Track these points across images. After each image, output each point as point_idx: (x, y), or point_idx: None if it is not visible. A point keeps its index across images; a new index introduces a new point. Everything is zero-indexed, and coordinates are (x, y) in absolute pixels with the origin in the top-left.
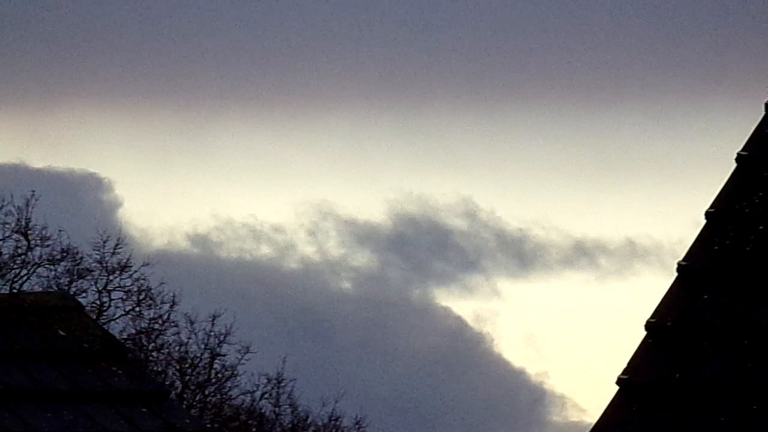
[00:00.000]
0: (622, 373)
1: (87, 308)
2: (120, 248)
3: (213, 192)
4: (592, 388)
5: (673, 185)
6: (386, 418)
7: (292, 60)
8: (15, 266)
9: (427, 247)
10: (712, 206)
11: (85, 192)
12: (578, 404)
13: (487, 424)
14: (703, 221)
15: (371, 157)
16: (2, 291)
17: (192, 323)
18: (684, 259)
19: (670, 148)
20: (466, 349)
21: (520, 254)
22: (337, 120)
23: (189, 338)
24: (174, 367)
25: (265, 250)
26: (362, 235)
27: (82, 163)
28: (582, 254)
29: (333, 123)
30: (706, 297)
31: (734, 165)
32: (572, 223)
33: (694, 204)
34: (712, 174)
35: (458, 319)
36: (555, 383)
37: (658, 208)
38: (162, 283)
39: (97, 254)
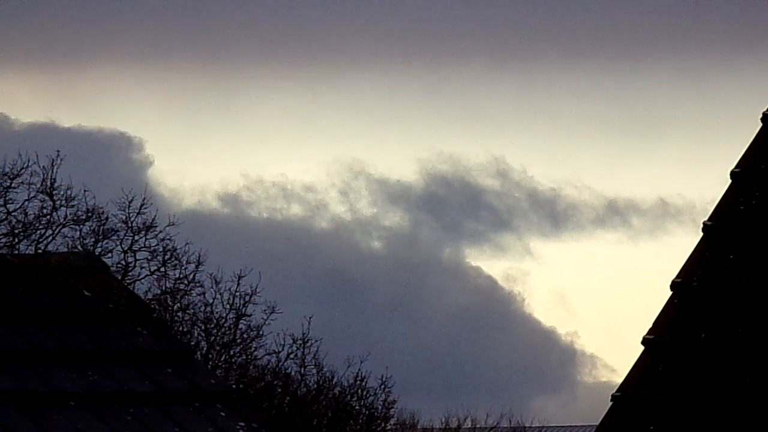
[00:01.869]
0: (648, 333)
1: (112, 268)
2: (145, 208)
3: (243, 151)
4: (622, 348)
5: (706, 145)
6: (415, 379)
7: (323, 18)
8: (40, 226)
9: (459, 207)
10: (737, 166)
11: (116, 151)
12: (608, 364)
13: (516, 384)
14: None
15: (403, 117)
16: (27, 251)
17: (217, 283)
18: (709, 219)
19: (702, 108)
20: (497, 309)
21: (553, 214)
22: (368, 79)
23: (214, 298)
24: (199, 327)
25: (295, 210)
26: (394, 194)
27: (112, 122)
28: (614, 214)
29: (365, 82)
30: (731, 257)
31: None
32: (605, 182)
33: (726, 163)
34: (745, 133)
35: (489, 278)
36: (585, 343)
37: (691, 168)
38: (187, 243)
39: (122, 214)
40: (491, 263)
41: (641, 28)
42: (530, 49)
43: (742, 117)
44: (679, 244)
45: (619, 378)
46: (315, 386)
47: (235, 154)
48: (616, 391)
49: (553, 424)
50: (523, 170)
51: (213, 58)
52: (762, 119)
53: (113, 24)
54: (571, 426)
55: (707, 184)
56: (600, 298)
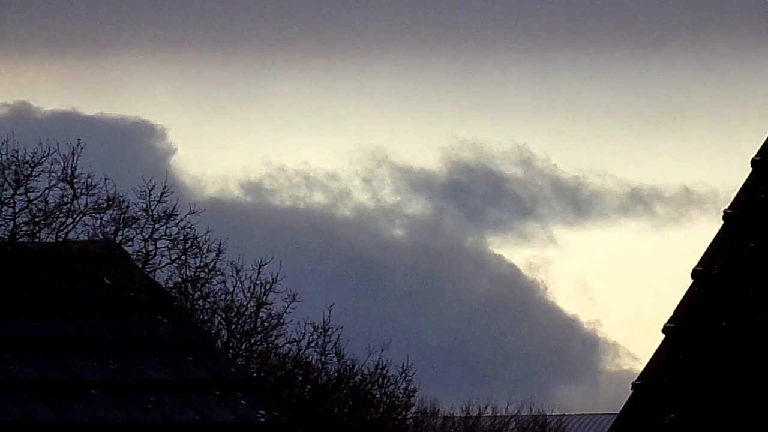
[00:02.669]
0: (668, 322)
1: (133, 257)
2: (166, 196)
3: (266, 139)
4: (645, 336)
5: (729, 132)
6: (436, 367)
7: (345, 7)
8: (61, 215)
9: (482, 195)
10: (758, 154)
11: (138, 139)
12: (631, 352)
13: (539, 372)
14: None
15: (426, 105)
16: (48, 239)
17: (238, 271)
18: (730, 207)
19: (725, 96)
20: (520, 297)
21: (576, 202)
22: (391, 67)
23: (235, 286)
24: (220, 315)
25: (318, 198)
26: (417, 182)
27: (134, 110)
28: (638, 202)
29: (387, 70)
30: (752, 245)
31: None
32: (628, 170)
33: (750, 151)
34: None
35: (512, 266)
36: (608, 331)
37: (714, 156)
38: (208, 231)
39: (143, 202)
40: (514, 251)
41: (664, 17)
42: (553, 38)
43: (764, 105)
44: (703, 232)
45: (641, 366)
46: (336, 374)
47: (257, 143)
48: (637, 380)
49: (575, 413)
50: (547, 158)
51: (236, 47)
52: None
53: (136, 12)
54: (593, 414)
55: (731, 172)
56: (623, 286)
